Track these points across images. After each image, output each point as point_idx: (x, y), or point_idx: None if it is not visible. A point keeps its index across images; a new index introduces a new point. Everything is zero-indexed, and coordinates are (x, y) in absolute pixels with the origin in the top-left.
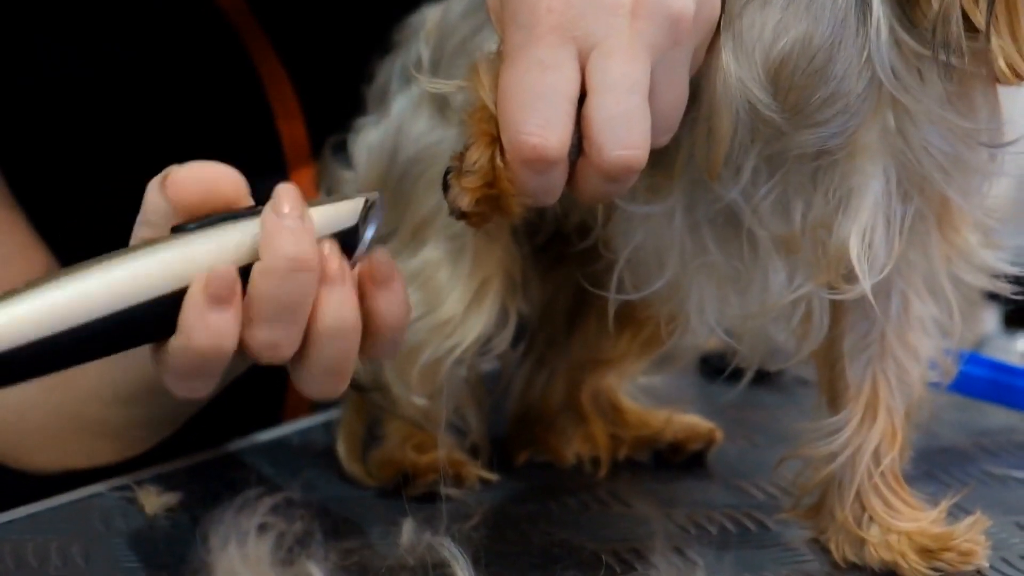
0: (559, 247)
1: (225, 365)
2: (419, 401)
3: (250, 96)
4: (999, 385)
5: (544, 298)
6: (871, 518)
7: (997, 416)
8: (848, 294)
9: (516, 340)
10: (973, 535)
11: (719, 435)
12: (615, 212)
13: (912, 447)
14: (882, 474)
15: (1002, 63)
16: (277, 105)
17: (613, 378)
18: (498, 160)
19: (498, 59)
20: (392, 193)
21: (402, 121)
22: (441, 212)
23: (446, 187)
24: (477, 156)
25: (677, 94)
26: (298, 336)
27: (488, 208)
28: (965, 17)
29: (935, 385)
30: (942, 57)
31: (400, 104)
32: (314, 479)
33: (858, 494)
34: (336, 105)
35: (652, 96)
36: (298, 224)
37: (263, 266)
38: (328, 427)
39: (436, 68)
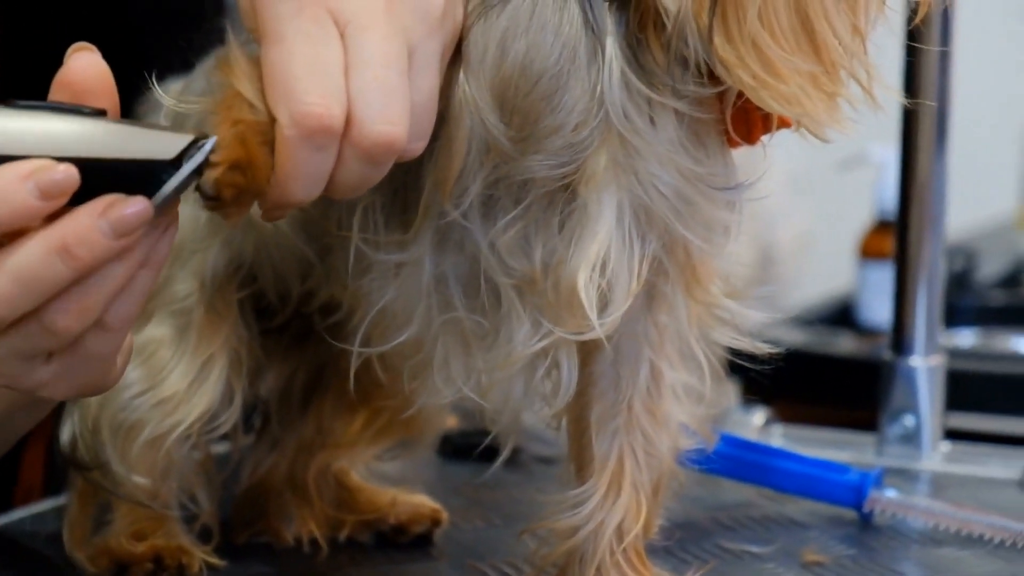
0: (299, 327)
1: None
2: (140, 480)
3: None
4: (735, 460)
5: (282, 380)
6: None
7: (733, 491)
8: (587, 335)
9: (250, 422)
10: None
11: (444, 516)
12: (366, 273)
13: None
14: (624, 550)
15: (728, 61)
16: None
17: (344, 461)
18: (244, 130)
19: (250, 47)
20: None
21: None
22: (167, 286)
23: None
24: (223, 131)
25: (429, 91)
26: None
27: (242, 177)
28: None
29: (693, 454)
30: (662, 93)
31: None
32: (36, 568)
33: (599, 570)
34: None
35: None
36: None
37: None
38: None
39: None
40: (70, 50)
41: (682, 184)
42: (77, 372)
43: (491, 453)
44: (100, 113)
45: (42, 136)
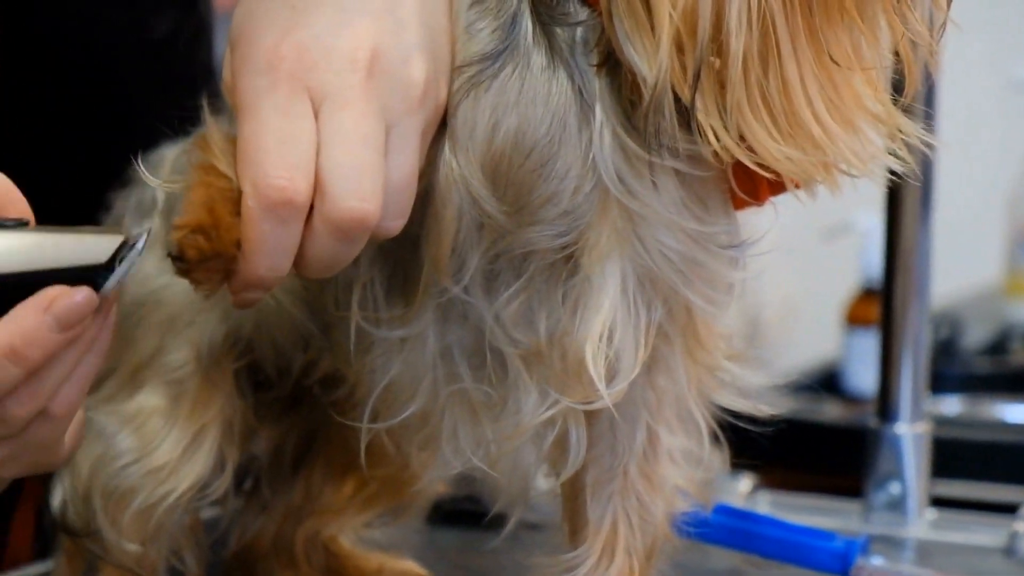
0: (293, 392)
1: None
2: (131, 547)
3: None
4: (722, 527)
5: (273, 443)
6: None
7: (720, 558)
8: (595, 404)
9: (242, 486)
10: None
11: None
12: (370, 350)
13: None
14: None
15: (712, 140)
16: None
17: (333, 527)
18: (213, 194)
19: (230, 121)
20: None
21: None
22: (160, 355)
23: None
24: (192, 197)
25: (408, 169)
26: None
27: (205, 241)
28: (685, 119)
29: (689, 516)
30: (655, 154)
31: None
32: None
33: None
34: None
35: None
36: None
37: None
38: None
39: (171, 211)
40: None
41: (688, 246)
42: (25, 455)
43: (481, 518)
44: (22, 223)
45: None
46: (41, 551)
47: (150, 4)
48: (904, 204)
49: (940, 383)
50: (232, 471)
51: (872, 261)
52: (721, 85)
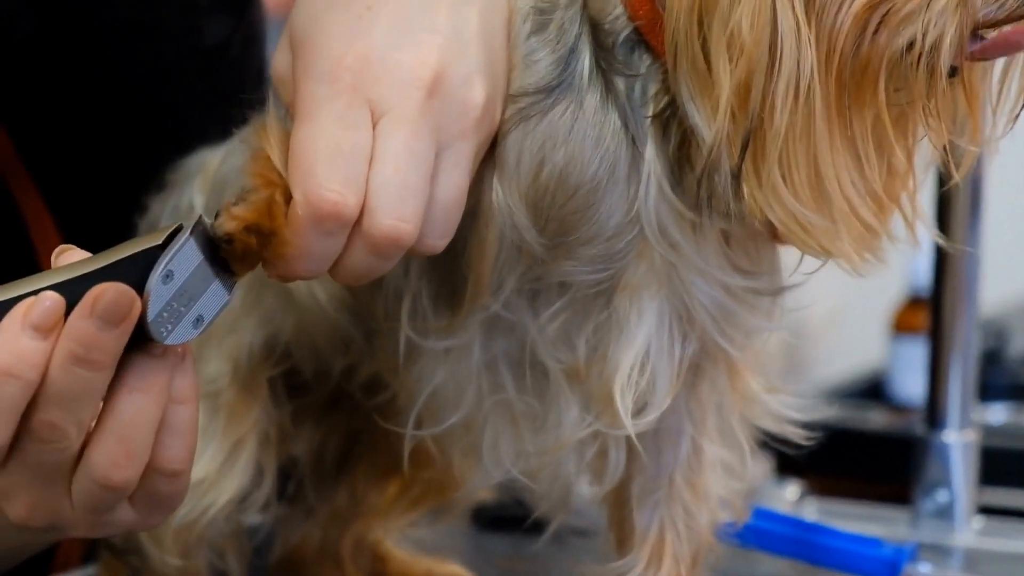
0: (332, 395)
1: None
2: (174, 561)
3: (10, 232)
4: (769, 534)
5: (314, 445)
6: None
7: (768, 565)
8: (622, 431)
9: (285, 490)
10: None
11: None
12: (416, 360)
13: None
14: None
15: (751, 203)
16: (39, 241)
17: (379, 530)
18: (277, 196)
19: (288, 118)
20: None
21: None
22: (197, 367)
23: (217, 216)
24: (255, 192)
25: (457, 191)
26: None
27: (256, 242)
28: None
29: (728, 527)
30: (706, 214)
31: None
32: None
33: None
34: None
35: (432, 186)
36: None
37: None
38: None
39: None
40: (56, 252)
41: (724, 298)
42: (158, 510)
43: (526, 523)
44: None
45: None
46: (91, 555)
47: (203, 11)
48: (953, 212)
49: (986, 392)
50: (272, 480)
51: (919, 269)
52: (762, 155)
